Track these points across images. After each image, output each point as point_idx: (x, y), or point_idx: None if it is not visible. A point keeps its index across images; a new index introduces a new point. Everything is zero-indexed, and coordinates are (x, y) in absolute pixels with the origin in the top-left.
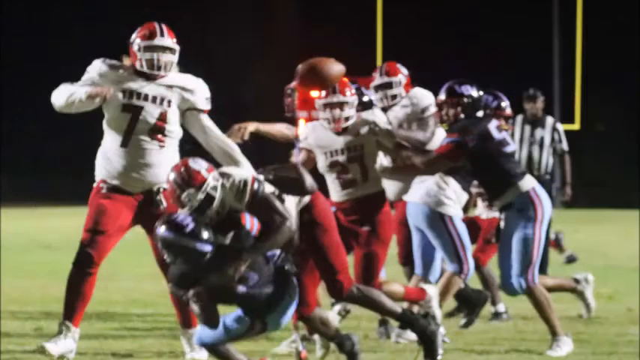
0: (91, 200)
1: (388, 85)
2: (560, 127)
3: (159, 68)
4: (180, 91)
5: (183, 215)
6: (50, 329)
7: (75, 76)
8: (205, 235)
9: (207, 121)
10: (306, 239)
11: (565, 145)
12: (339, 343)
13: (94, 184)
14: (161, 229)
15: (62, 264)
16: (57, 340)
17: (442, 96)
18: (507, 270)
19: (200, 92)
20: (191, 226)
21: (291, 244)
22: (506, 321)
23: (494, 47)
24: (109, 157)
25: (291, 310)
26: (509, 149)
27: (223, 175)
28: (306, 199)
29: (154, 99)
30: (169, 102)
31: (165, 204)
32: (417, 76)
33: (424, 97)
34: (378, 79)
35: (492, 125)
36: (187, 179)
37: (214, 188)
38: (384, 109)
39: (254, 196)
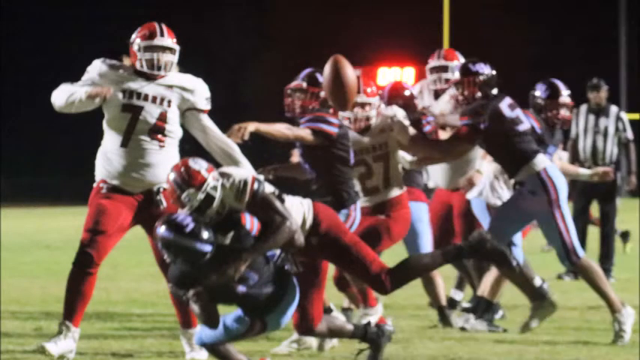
0: (91, 200)
1: (444, 69)
2: (625, 116)
3: (159, 68)
4: (180, 91)
5: (183, 215)
6: (50, 329)
7: (75, 76)
8: (205, 235)
9: (207, 121)
10: (327, 255)
11: (630, 134)
12: (362, 335)
13: (94, 184)
14: (161, 229)
15: (62, 264)
16: (57, 340)
17: (457, 75)
18: (555, 248)
19: (200, 92)
20: (191, 226)
21: (291, 245)
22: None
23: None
24: (108, 157)
25: (291, 310)
26: (522, 127)
27: (223, 175)
28: (311, 219)
29: (154, 99)
30: (169, 102)
31: (165, 204)
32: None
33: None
34: (434, 61)
35: (504, 104)
36: (187, 179)
37: (214, 188)
38: (437, 93)
39: (254, 196)
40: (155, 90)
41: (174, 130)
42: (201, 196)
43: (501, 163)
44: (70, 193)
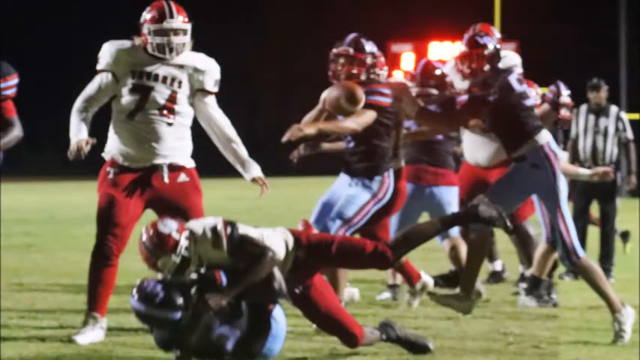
0: (99, 186)
1: None
2: (625, 116)
3: (170, 51)
4: (191, 71)
5: (153, 284)
6: None
7: (75, 68)
8: (176, 302)
9: (212, 103)
10: (320, 259)
11: (630, 134)
12: (387, 337)
13: (105, 163)
14: (133, 300)
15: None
16: (85, 330)
17: (464, 48)
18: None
19: (210, 73)
20: (161, 295)
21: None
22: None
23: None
24: (116, 132)
25: (279, 342)
26: (529, 102)
27: (192, 231)
28: (292, 239)
29: (164, 79)
30: (180, 82)
31: (168, 180)
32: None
33: (513, 57)
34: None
35: (513, 77)
36: (159, 244)
37: (188, 249)
38: None
39: (231, 239)
40: (166, 70)
41: (183, 111)
42: (176, 259)
43: (504, 137)
44: None
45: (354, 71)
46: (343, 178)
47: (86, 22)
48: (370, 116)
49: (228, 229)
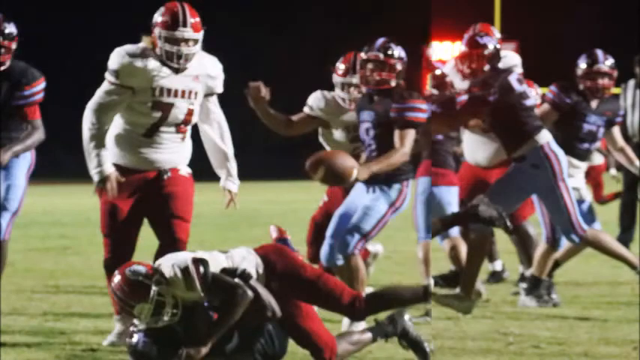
0: (100, 193)
1: None
2: None
3: (179, 58)
4: (205, 79)
5: (142, 340)
6: None
7: (75, 68)
8: (170, 354)
9: (215, 101)
10: (294, 294)
11: None
12: (385, 333)
13: None
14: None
15: (149, 239)
16: (118, 334)
17: (464, 48)
18: (558, 225)
19: (220, 77)
20: (154, 353)
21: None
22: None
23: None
24: (119, 139)
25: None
26: (529, 102)
27: (162, 275)
28: (261, 270)
29: (183, 94)
30: (196, 94)
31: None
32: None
33: (513, 57)
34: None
35: (513, 77)
36: (130, 295)
37: (160, 294)
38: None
39: (205, 280)
40: (183, 83)
41: (195, 120)
42: (149, 306)
43: (504, 137)
44: None
45: (384, 77)
46: (359, 187)
47: (86, 22)
48: (412, 136)
49: (201, 269)
